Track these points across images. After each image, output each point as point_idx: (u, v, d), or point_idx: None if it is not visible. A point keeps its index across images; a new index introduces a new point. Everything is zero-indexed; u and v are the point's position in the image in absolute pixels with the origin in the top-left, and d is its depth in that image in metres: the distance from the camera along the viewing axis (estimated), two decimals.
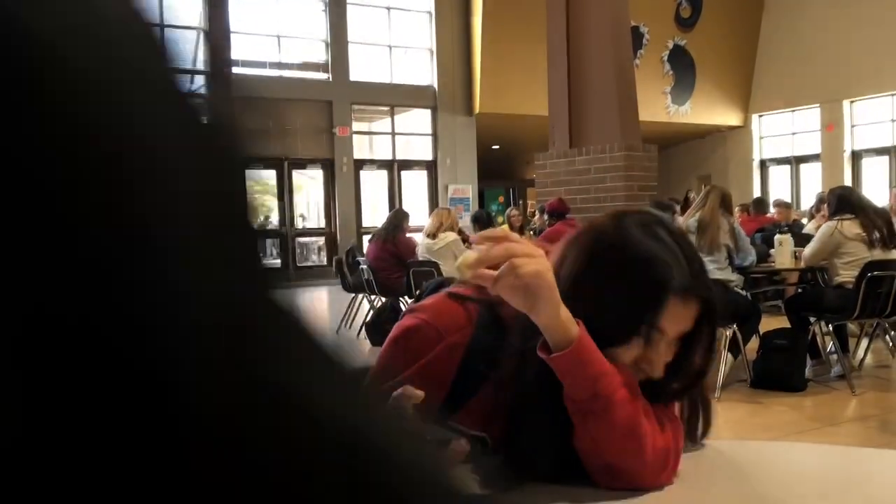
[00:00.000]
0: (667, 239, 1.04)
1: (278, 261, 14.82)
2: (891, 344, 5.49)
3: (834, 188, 5.44)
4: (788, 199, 14.54)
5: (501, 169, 20.11)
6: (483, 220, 7.92)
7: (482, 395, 1.10)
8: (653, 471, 1.02)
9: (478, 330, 1.10)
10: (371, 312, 7.55)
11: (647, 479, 1.02)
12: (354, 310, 8.09)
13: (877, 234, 4.88)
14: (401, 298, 7.25)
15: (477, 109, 15.61)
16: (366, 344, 7.02)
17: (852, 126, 16.01)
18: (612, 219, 1.08)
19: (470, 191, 16.01)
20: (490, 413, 1.07)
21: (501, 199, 20.92)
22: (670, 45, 16.76)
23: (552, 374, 1.00)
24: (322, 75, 14.98)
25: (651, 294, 1.01)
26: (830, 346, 5.21)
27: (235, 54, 14.03)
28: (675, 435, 1.07)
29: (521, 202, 20.27)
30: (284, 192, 14.71)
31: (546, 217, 7.57)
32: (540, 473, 1.02)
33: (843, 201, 5.06)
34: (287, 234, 14.71)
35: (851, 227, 4.90)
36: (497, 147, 18.20)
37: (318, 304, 11.63)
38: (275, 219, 14.80)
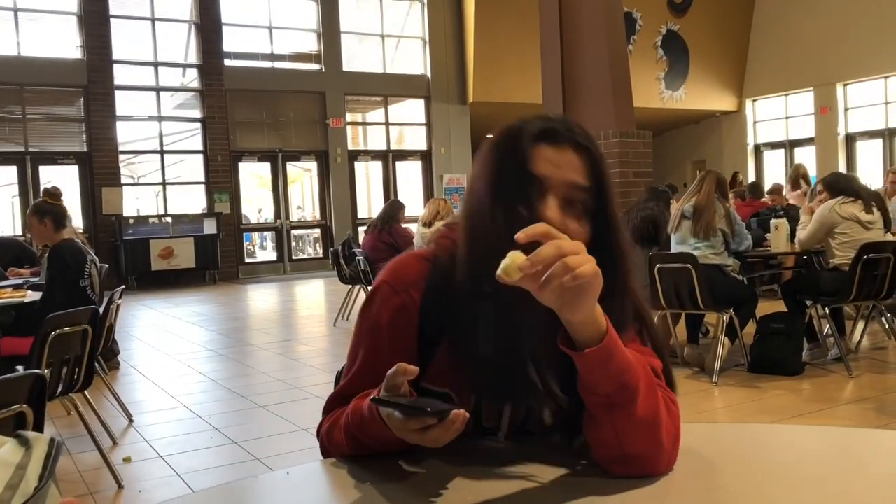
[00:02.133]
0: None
1: (274, 254, 14.83)
2: (887, 326, 5.50)
3: (824, 178, 5.37)
4: (782, 183, 14.56)
5: None
6: None
7: (440, 355, 1.12)
8: (667, 457, 1.03)
9: (428, 289, 1.12)
10: None
11: (662, 466, 1.03)
12: (351, 301, 8.09)
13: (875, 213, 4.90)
14: None
15: (471, 98, 15.58)
16: None
17: (846, 109, 16.00)
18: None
19: (465, 180, 16.00)
20: (450, 371, 1.10)
21: None
22: (663, 30, 16.73)
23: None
24: (315, 66, 14.93)
25: (514, 145, 1.06)
26: (827, 329, 5.23)
27: (228, 46, 13.98)
28: (679, 417, 1.08)
29: None
30: (279, 184, 14.69)
31: None
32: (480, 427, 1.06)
33: (832, 188, 5.06)
34: (282, 227, 14.68)
35: (846, 207, 4.91)
36: (492, 135, 18.14)
37: (315, 296, 11.64)
38: (270, 212, 14.80)
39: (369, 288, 1.47)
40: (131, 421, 4.36)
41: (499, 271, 0.91)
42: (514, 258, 0.91)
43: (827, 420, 3.90)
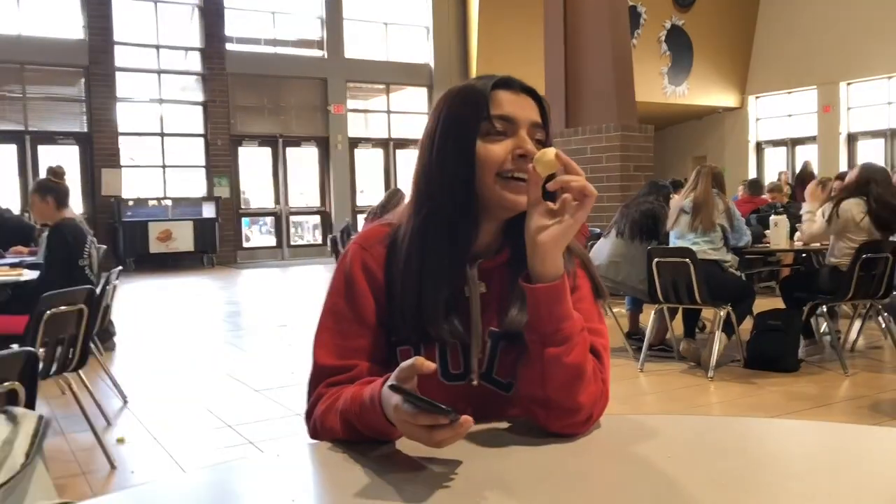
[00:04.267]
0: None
1: (273, 239, 14.84)
2: (883, 325, 5.50)
3: (866, 166, 5.07)
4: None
5: None
6: None
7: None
8: (584, 418, 1.11)
9: (390, 247, 1.22)
10: None
11: (578, 425, 1.11)
12: None
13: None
14: None
15: None
16: None
17: (848, 108, 15.98)
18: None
19: None
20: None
21: None
22: (668, 25, 16.68)
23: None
24: (317, 52, 14.88)
25: (482, 97, 1.17)
26: (824, 326, 5.22)
27: (230, 30, 13.93)
28: (605, 395, 1.16)
29: None
30: (279, 169, 14.66)
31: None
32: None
33: (865, 184, 4.81)
34: (281, 213, 14.67)
35: (867, 218, 4.77)
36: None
37: (313, 282, 11.64)
38: (269, 197, 14.78)
39: None
40: (126, 402, 4.36)
41: (534, 163, 1.07)
42: (547, 153, 1.07)
43: (821, 417, 3.91)
